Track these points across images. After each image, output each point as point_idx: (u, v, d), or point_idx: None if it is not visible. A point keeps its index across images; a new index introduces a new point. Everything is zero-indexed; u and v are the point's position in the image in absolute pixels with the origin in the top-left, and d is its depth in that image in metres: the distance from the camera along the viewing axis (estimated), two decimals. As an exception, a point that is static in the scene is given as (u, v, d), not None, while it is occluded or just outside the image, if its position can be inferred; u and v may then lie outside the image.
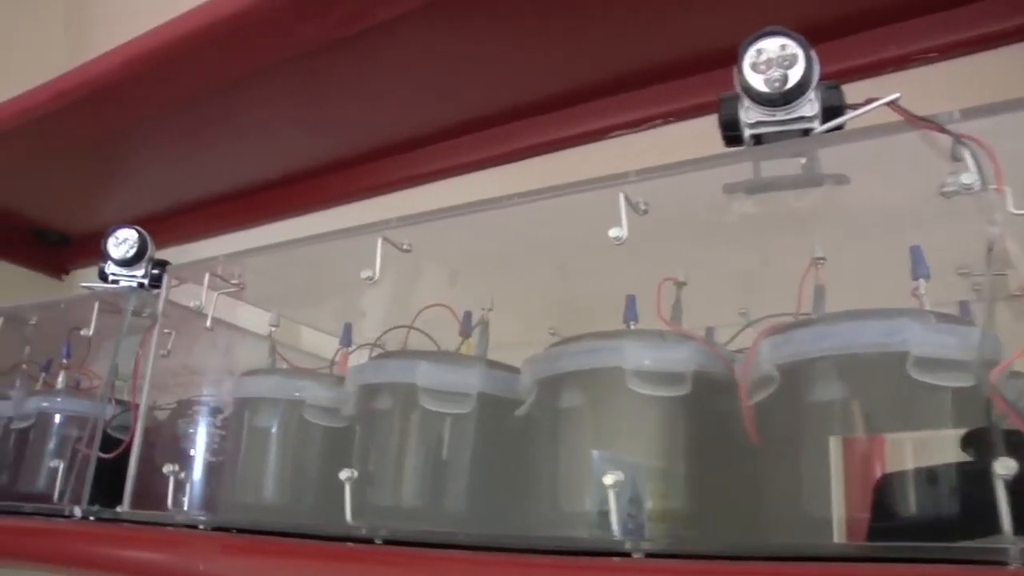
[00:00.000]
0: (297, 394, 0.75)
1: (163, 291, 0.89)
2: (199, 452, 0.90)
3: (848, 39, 0.85)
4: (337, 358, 0.83)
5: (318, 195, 1.31)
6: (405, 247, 0.74)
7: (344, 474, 0.65)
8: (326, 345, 0.97)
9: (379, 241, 0.72)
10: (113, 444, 0.90)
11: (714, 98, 0.95)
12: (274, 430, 0.76)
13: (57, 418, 0.99)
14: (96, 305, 0.99)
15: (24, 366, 1.13)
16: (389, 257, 0.82)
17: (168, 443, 0.91)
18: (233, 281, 0.88)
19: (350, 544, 0.64)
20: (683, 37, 0.95)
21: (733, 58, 0.85)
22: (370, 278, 0.70)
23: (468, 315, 0.77)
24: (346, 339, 0.83)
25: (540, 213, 0.70)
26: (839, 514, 0.48)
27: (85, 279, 1.58)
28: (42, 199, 1.56)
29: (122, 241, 1.04)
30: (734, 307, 0.74)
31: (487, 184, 1.16)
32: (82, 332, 0.98)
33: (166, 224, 1.43)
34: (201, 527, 0.75)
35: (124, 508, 0.83)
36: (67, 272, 1.74)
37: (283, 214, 1.36)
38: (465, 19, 0.95)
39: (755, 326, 0.66)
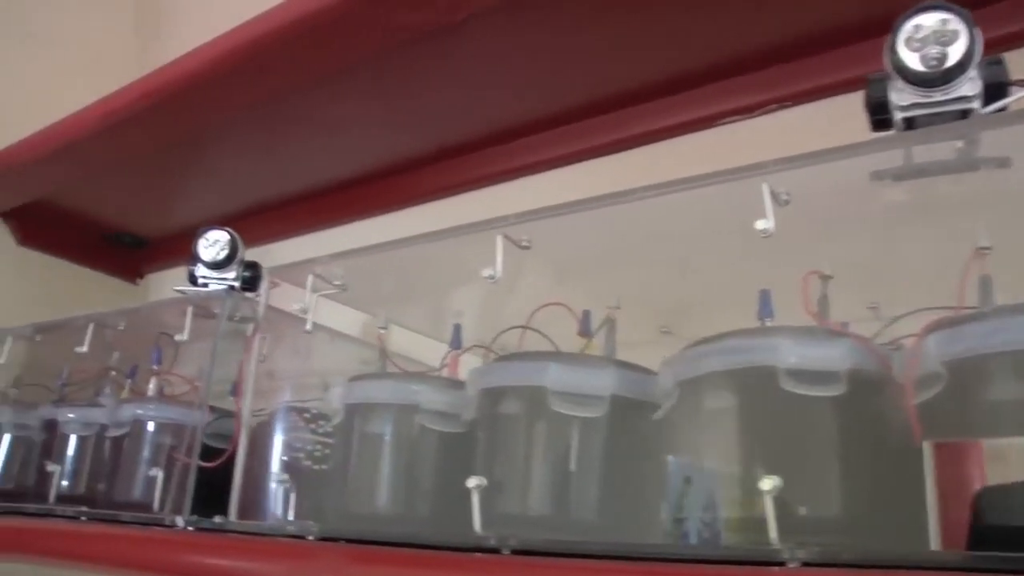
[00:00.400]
0: (414, 399, 0.75)
1: (263, 294, 0.90)
2: (301, 460, 0.90)
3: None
4: (447, 360, 0.83)
5: (405, 192, 1.33)
6: (524, 244, 0.73)
7: (472, 482, 0.65)
8: (417, 347, 0.98)
9: (499, 239, 0.72)
10: (208, 452, 0.91)
11: (830, 80, 0.96)
12: (388, 436, 0.77)
13: (151, 426, 1.00)
14: (190, 310, 1.00)
15: (113, 373, 1.15)
16: (488, 255, 0.83)
17: (264, 451, 0.92)
18: (335, 282, 0.87)
19: (478, 555, 0.64)
20: (800, 15, 0.93)
21: (854, 35, 0.83)
22: (491, 277, 0.70)
23: (587, 314, 0.77)
24: (456, 341, 0.83)
25: (662, 206, 0.70)
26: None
27: (160, 283, 1.66)
28: (118, 202, 1.62)
29: (212, 243, 1.06)
30: (859, 301, 0.73)
31: (587, 176, 1.16)
32: (176, 337, 0.99)
33: (244, 224, 1.37)
34: (310, 537, 0.75)
35: (230, 518, 0.84)
36: (142, 276, 1.78)
37: (368, 212, 1.38)
38: (566, 5, 0.95)
39: (897, 321, 0.64)
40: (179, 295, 1.04)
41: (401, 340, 1.03)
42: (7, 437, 1.21)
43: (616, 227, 0.76)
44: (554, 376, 0.65)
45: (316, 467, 0.90)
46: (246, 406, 0.87)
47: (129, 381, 1.12)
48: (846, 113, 0.88)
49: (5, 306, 1.51)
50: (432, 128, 1.20)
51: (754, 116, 1.01)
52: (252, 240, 1.30)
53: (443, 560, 0.65)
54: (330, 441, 0.89)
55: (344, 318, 0.96)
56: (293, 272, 0.89)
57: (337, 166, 1.36)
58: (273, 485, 0.83)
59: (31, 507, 1.06)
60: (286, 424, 0.94)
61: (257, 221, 1.45)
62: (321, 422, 0.92)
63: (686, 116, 1.03)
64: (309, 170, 1.38)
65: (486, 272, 0.70)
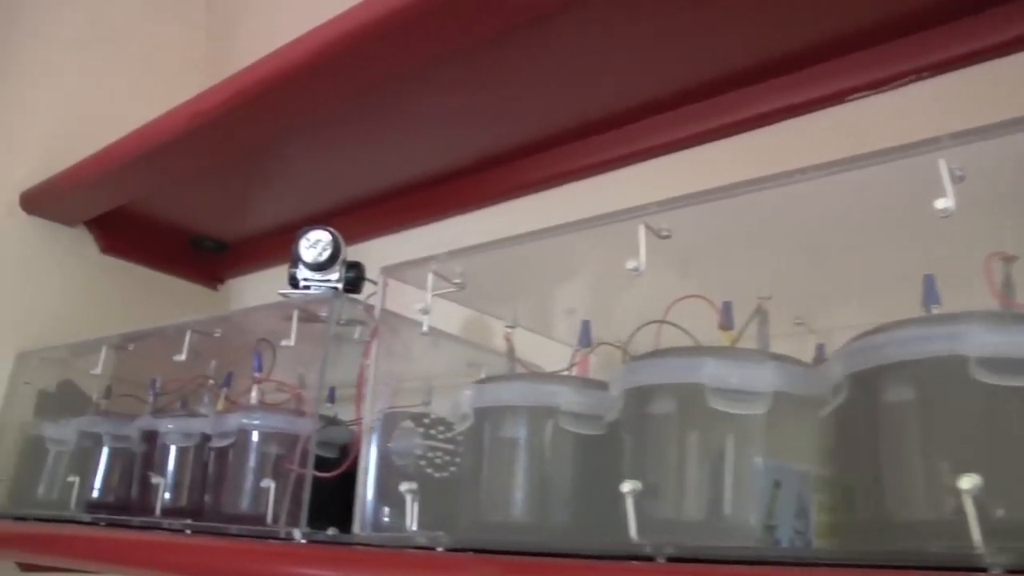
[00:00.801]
0: (551, 401, 0.74)
1: (380, 294, 0.90)
2: (422, 468, 0.90)
3: None
4: (576, 360, 0.82)
5: (500, 185, 1.32)
6: (664, 233, 0.73)
7: (627, 486, 0.65)
8: (525, 348, 0.96)
9: (642, 228, 0.71)
10: (319, 462, 0.93)
11: (976, 47, 0.93)
12: (522, 440, 0.76)
13: (256, 435, 1.01)
14: (295, 314, 1.01)
15: (211, 381, 1.18)
16: (612, 247, 0.82)
17: (377, 459, 0.92)
18: (455, 280, 0.87)
19: (635, 563, 0.62)
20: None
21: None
22: (635, 269, 0.70)
23: (728, 306, 0.76)
24: (585, 338, 0.82)
25: (799, 191, 0.69)
26: None
27: (240, 288, 1.70)
28: (200, 207, 1.63)
29: (314, 243, 1.08)
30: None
31: (692, 163, 1.15)
32: (283, 343, 1.00)
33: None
34: (440, 548, 0.75)
35: (355, 530, 0.84)
36: (222, 281, 1.81)
37: (462, 207, 1.38)
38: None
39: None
40: (282, 299, 1.06)
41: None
42: (105, 449, 1.24)
43: (748, 214, 0.74)
44: (711, 372, 0.65)
45: (437, 475, 0.90)
46: (368, 412, 0.87)
47: (224, 390, 1.13)
48: (973, 86, 0.89)
49: (88, 315, 1.56)
50: (532, 117, 1.20)
51: (885, 90, 0.98)
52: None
53: (598, 569, 0.65)
54: (449, 447, 0.91)
55: (441, 318, 0.94)
56: (408, 270, 0.89)
57: (429, 160, 1.35)
58: (403, 491, 0.81)
59: (136, 520, 1.08)
60: (400, 430, 0.94)
61: (343, 221, 1.43)
62: (440, 427, 0.93)
63: (810, 94, 1.01)
64: (399, 166, 1.38)
65: (630, 264, 0.69)
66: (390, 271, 0.91)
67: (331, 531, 0.89)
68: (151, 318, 1.31)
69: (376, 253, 1.19)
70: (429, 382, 1.03)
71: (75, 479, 1.23)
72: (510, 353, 0.84)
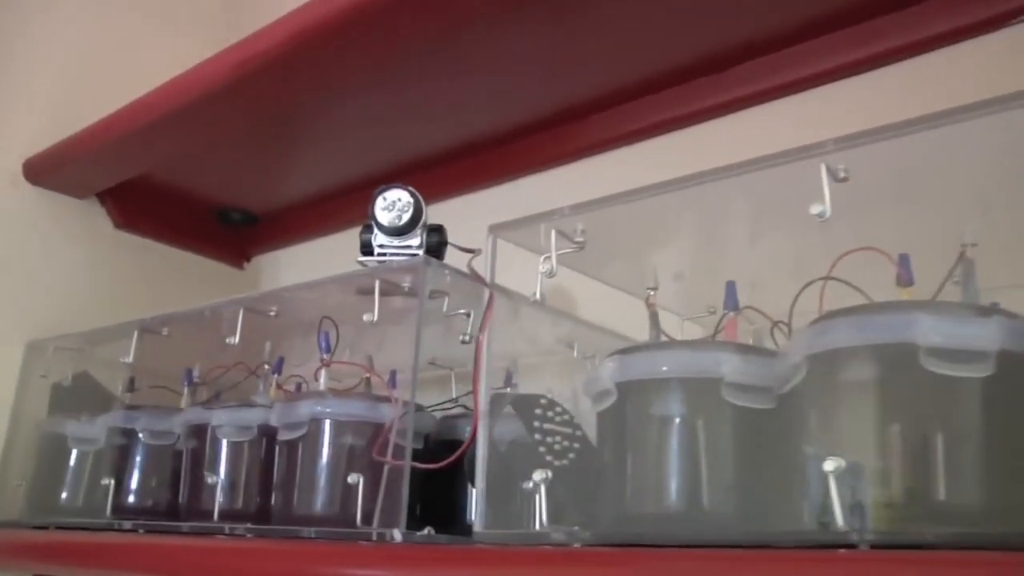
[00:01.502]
0: (715, 371, 0.71)
1: (490, 256, 0.86)
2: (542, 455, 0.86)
3: None
4: (723, 325, 0.79)
5: (572, 143, 1.30)
6: (841, 175, 0.69)
7: (830, 465, 0.60)
8: (608, 317, 0.98)
9: (823, 168, 0.67)
10: (399, 454, 0.90)
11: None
12: (679, 418, 0.72)
13: (329, 425, 0.98)
14: (377, 285, 0.97)
15: (266, 366, 1.16)
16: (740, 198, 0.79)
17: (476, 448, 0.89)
18: (576, 239, 0.84)
19: (841, 551, 0.58)
20: None
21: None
22: (820, 215, 0.66)
23: (906, 259, 0.72)
24: (732, 301, 0.79)
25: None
26: None
27: (270, 265, 1.68)
28: (225, 177, 1.60)
29: (391, 204, 1.04)
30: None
31: (806, 107, 1.12)
32: (364, 318, 0.96)
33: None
34: (578, 545, 0.72)
35: (476, 528, 0.80)
36: (248, 259, 1.79)
37: (532, 167, 1.37)
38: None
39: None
40: (363, 268, 1.02)
41: (596, 309, 1.03)
42: (141, 448, 1.23)
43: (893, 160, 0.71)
44: (927, 328, 0.61)
45: (557, 463, 0.86)
46: (483, 393, 0.83)
47: (276, 376, 1.13)
48: None
49: (100, 298, 1.53)
50: (610, 66, 1.17)
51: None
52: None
53: (793, 559, 0.61)
54: (567, 430, 0.88)
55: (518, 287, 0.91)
56: (520, 228, 0.85)
57: (495, 115, 1.33)
58: (535, 482, 0.77)
59: (186, 525, 1.06)
60: (503, 416, 0.89)
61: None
62: (557, 409, 0.90)
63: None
64: (464, 121, 1.34)
65: (815, 209, 0.65)
66: (498, 230, 0.87)
67: (427, 531, 0.87)
68: (170, 300, 1.29)
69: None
70: (514, 361, 1.00)
71: (109, 481, 1.21)
72: (654, 319, 0.80)
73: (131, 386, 1.32)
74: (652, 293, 0.83)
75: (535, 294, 0.85)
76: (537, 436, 0.86)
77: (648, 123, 1.21)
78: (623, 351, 0.77)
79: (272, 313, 1.12)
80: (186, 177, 1.59)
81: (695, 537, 0.64)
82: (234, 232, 1.76)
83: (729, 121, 1.17)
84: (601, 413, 0.77)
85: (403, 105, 1.32)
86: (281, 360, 1.14)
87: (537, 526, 0.76)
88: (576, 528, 0.75)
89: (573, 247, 0.84)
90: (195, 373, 1.24)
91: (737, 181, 0.74)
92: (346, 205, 1.57)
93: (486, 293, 0.85)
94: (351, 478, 0.92)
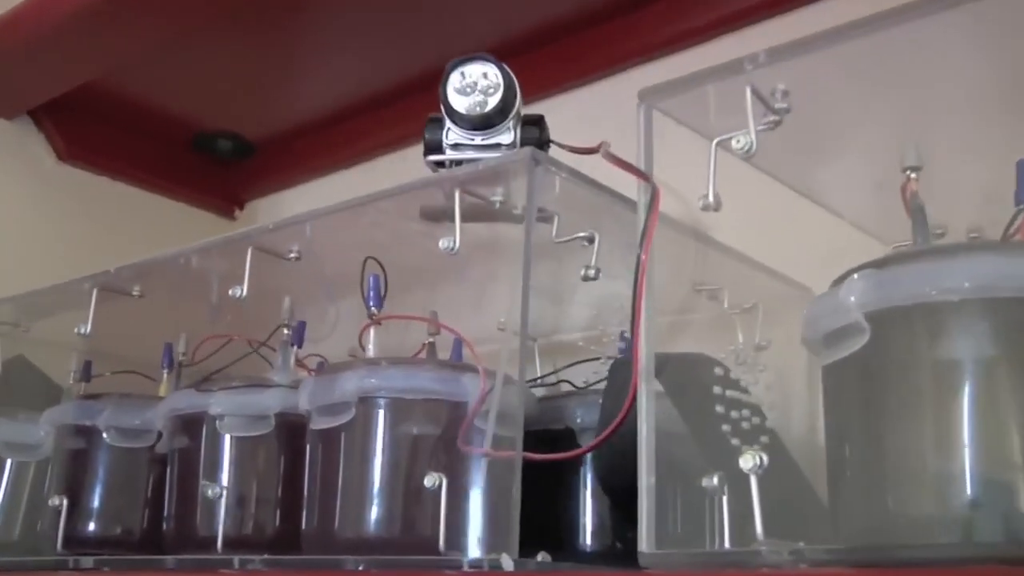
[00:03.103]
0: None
1: (642, 137, 0.75)
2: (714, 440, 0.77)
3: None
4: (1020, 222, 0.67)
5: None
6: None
7: None
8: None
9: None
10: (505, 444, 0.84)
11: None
12: (988, 364, 0.61)
13: (384, 405, 0.90)
14: (457, 195, 0.88)
15: (286, 331, 1.09)
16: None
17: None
18: (777, 106, 0.72)
19: None
20: None
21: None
22: None
23: None
24: (1026, 190, 0.68)
25: None
26: None
27: (270, 212, 1.71)
28: (210, 85, 1.54)
29: (471, 84, 0.93)
30: None
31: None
32: (441, 244, 0.86)
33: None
34: (803, 566, 0.63)
35: (642, 546, 0.70)
36: (241, 205, 1.75)
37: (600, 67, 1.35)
38: None
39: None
40: (435, 171, 0.94)
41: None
42: (104, 452, 1.16)
43: None
44: None
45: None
46: (644, 346, 0.72)
47: (295, 348, 1.09)
48: None
49: (39, 254, 1.47)
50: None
51: None
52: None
53: None
54: (755, 402, 0.82)
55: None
56: (686, 93, 0.76)
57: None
58: (746, 469, 0.67)
59: (172, 559, 1.01)
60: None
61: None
62: (740, 382, 0.83)
63: None
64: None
65: None
66: (653, 96, 0.76)
67: (540, 557, 0.79)
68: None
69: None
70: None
71: (60, 502, 1.12)
72: (918, 213, 0.68)
73: (86, 372, 1.24)
74: (912, 177, 0.72)
75: (706, 197, 0.74)
76: (719, 408, 0.77)
77: None
78: (879, 263, 0.66)
79: (292, 255, 1.06)
80: (152, 88, 1.53)
81: (1011, 550, 0.57)
82: (222, 167, 1.71)
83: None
84: (835, 366, 0.68)
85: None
86: (302, 326, 1.09)
87: (726, 543, 0.70)
88: (801, 545, 0.66)
89: (768, 122, 0.73)
90: (180, 350, 1.20)
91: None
92: (375, 125, 1.53)
93: (640, 193, 0.75)
94: (429, 480, 0.83)
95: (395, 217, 0.97)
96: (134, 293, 1.16)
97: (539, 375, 1.08)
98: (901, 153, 0.74)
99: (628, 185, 0.80)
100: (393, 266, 0.97)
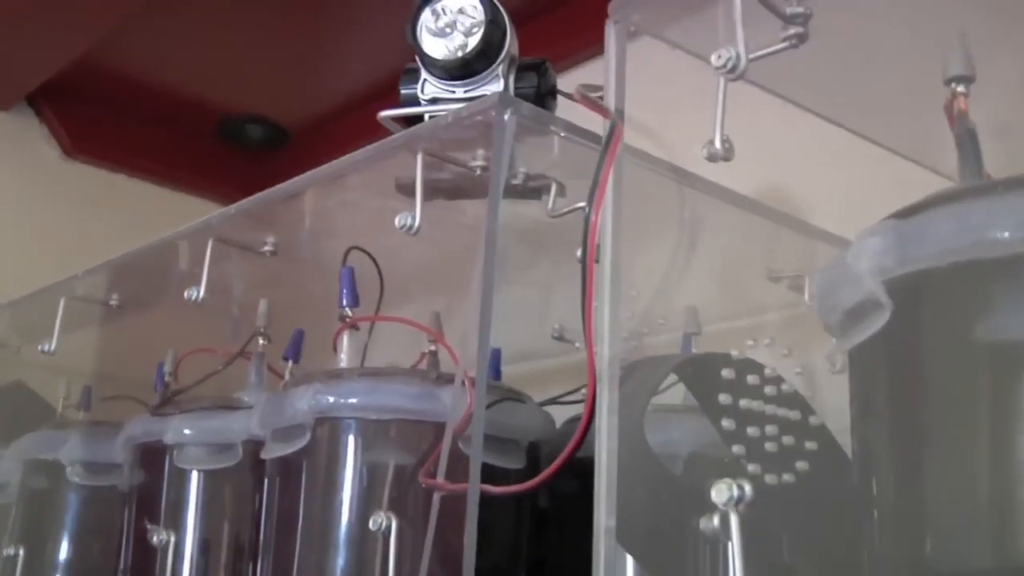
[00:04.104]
0: None
1: (611, 59, 0.70)
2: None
3: None
4: None
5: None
6: None
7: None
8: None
9: None
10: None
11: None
12: None
13: (345, 427, 0.87)
14: (419, 159, 0.82)
15: (261, 340, 1.07)
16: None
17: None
18: (793, 11, 0.67)
19: None
20: None
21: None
22: None
23: None
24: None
25: None
26: None
27: None
28: (238, 63, 1.53)
29: (449, 24, 0.87)
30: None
31: None
32: (398, 222, 0.80)
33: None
34: None
35: None
36: None
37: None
38: None
39: None
40: (393, 126, 0.90)
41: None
42: (68, 492, 1.17)
43: None
44: None
45: (772, 479, 0.72)
46: (604, 346, 0.66)
47: (290, 363, 1.07)
48: None
49: (43, 264, 1.42)
50: None
51: None
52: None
53: None
54: (791, 415, 0.76)
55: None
56: None
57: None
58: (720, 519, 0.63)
59: None
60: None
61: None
62: (766, 373, 0.76)
63: None
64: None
65: None
66: (622, 7, 0.71)
67: None
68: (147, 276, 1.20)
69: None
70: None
71: (15, 552, 1.12)
72: (968, 138, 0.61)
73: (87, 399, 1.25)
74: (960, 91, 0.65)
75: (711, 143, 0.68)
76: (726, 423, 0.72)
77: None
78: (902, 212, 0.59)
79: (266, 248, 1.03)
80: (168, 68, 1.52)
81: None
82: (253, 159, 1.71)
83: None
84: (859, 354, 0.62)
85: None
86: (300, 336, 1.07)
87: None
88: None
89: (789, 37, 0.68)
90: (167, 366, 1.17)
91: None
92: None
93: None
94: (374, 522, 0.81)
95: (373, 195, 0.93)
96: (112, 303, 1.16)
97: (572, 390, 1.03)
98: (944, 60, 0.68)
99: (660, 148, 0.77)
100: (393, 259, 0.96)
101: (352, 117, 1.66)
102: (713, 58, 0.65)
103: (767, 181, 0.97)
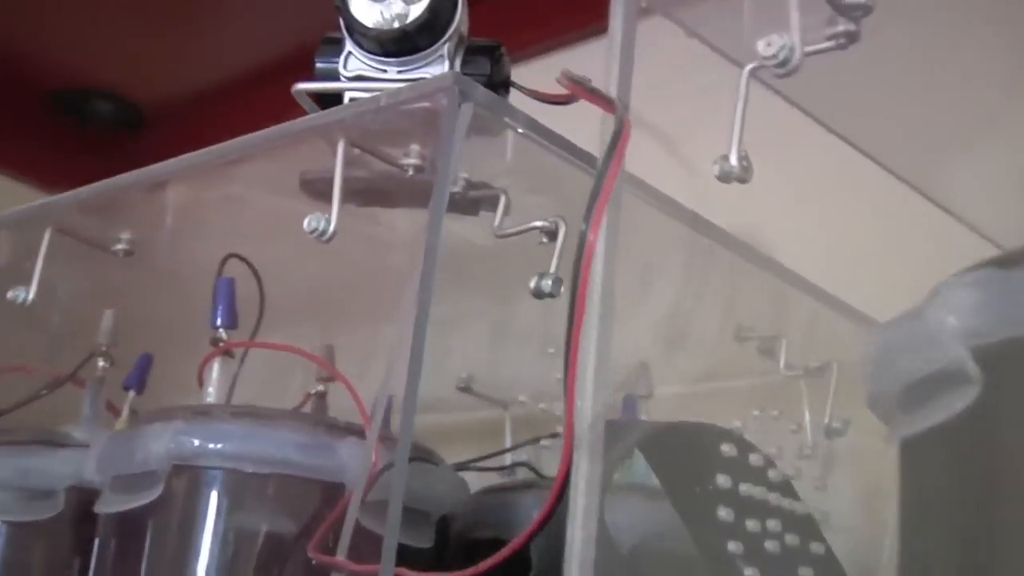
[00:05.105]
0: None
1: (616, 48, 0.67)
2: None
3: None
4: None
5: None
6: None
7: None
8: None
9: None
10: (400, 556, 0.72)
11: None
12: None
13: (210, 479, 0.83)
14: (341, 146, 0.77)
15: (100, 363, 1.01)
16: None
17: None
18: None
19: None
20: None
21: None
22: None
23: None
24: None
25: None
26: None
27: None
28: (79, 30, 1.55)
29: None
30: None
31: None
32: (307, 225, 0.75)
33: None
34: None
35: None
36: None
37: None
38: None
39: None
40: (309, 104, 0.85)
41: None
42: None
43: None
44: None
45: None
46: (587, 407, 0.61)
47: (131, 393, 1.00)
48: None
49: None
50: None
51: None
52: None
53: None
54: (793, 506, 0.75)
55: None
56: None
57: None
58: None
59: None
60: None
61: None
62: (758, 460, 0.75)
63: None
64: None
65: None
66: None
67: None
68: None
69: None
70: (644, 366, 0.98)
71: None
72: None
73: None
74: None
75: (725, 159, 0.64)
76: (723, 514, 0.69)
77: None
78: (1001, 260, 0.56)
79: (120, 247, 0.97)
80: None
81: None
82: (101, 141, 1.68)
83: None
84: (921, 442, 0.58)
85: None
86: (147, 360, 1.01)
87: None
88: None
89: (837, 35, 0.63)
90: None
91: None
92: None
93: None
94: None
95: (266, 191, 0.91)
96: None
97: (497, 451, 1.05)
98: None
99: (638, 158, 0.70)
100: (311, 278, 0.97)
101: (223, 103, 1.69)
102: (761, 45, 0.60)
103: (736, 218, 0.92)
